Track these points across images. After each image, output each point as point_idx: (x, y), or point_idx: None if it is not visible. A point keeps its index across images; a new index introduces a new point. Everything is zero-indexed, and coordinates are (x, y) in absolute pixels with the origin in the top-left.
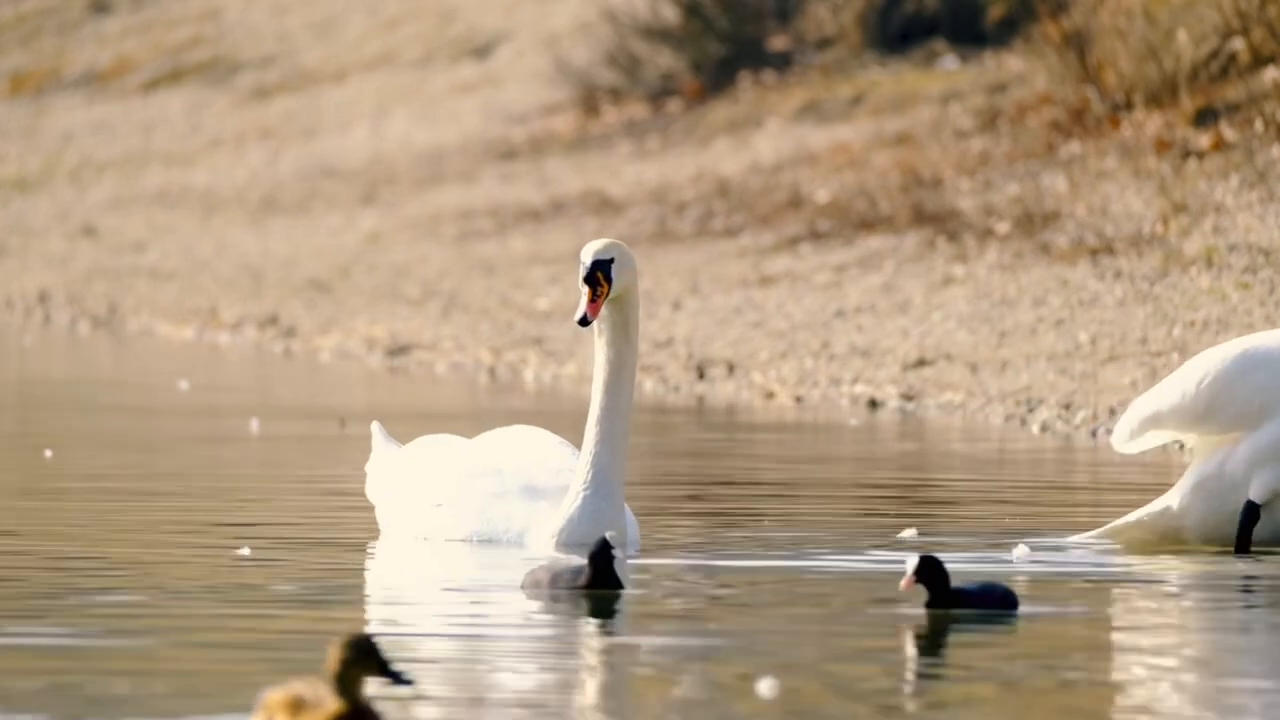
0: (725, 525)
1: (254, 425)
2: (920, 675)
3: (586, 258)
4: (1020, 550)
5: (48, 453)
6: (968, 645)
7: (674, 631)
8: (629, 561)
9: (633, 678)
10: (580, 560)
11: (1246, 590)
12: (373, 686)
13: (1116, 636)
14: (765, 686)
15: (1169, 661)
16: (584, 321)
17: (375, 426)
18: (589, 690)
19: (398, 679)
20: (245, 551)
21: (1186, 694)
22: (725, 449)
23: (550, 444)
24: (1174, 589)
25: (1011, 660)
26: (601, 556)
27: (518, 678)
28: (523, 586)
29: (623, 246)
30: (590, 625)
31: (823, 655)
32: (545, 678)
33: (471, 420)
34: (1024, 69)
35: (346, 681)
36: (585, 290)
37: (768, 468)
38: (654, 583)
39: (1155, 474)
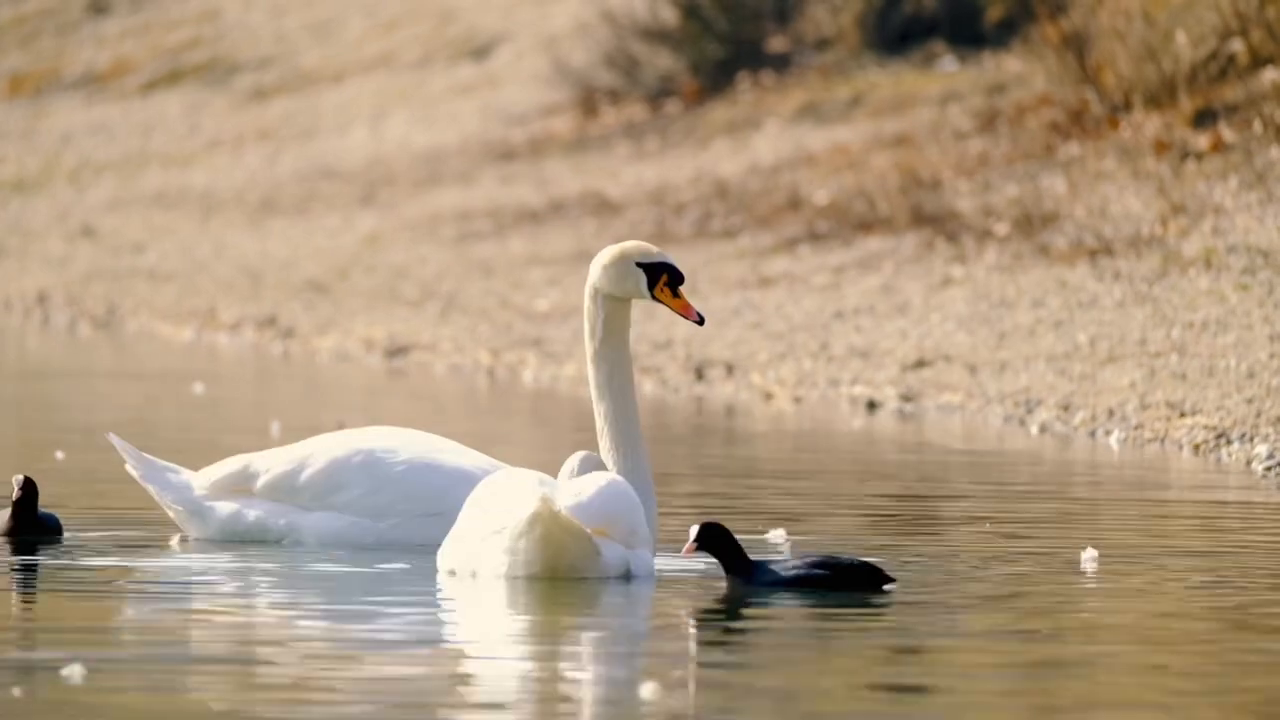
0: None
1: (275, 430)
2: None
3: (667, 258)
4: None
5: (59, 454)
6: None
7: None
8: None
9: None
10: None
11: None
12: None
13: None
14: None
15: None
16: (702, 320)
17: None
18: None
19: None
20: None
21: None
22: (728, 450)
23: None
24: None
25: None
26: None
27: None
28: None
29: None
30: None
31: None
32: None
33: (472, 421)
34: (1023, 70)
35: None
36: (682, 294)
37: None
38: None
39: (1153, 472)
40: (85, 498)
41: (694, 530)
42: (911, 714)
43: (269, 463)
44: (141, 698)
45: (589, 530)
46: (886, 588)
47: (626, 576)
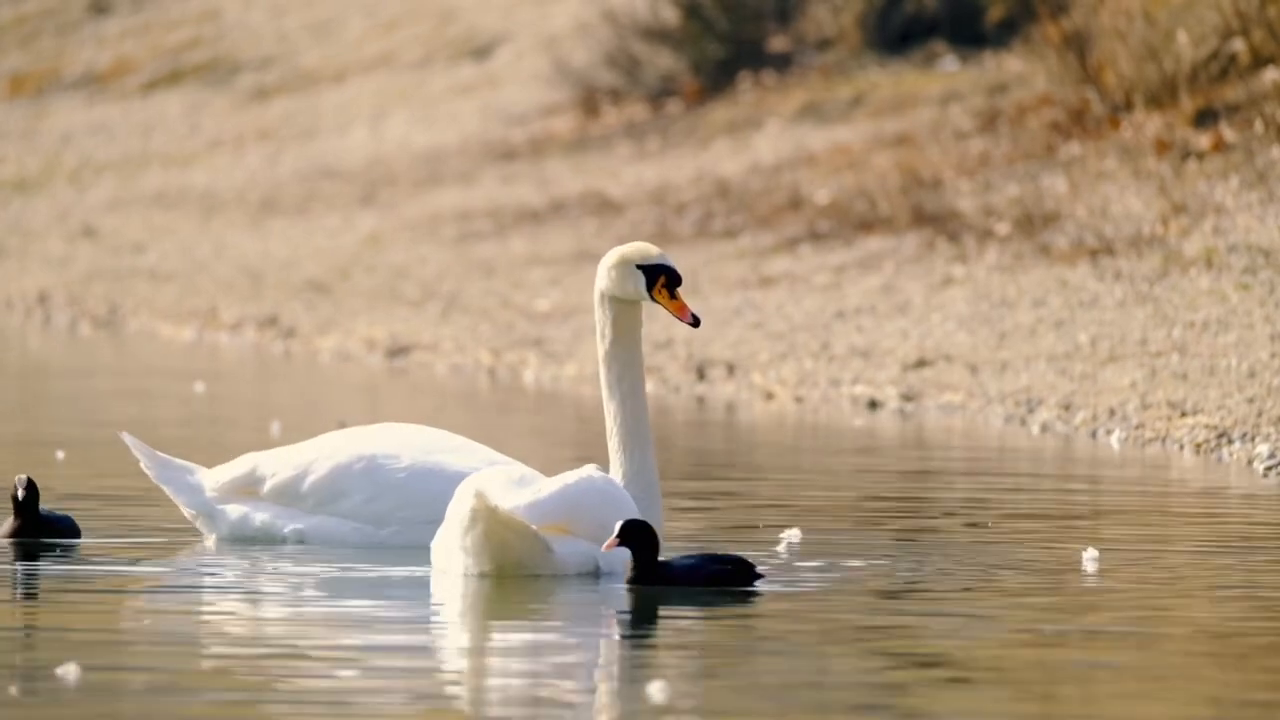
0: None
1: (275, 429)
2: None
3: (666, 260)
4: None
5: (59, 454)
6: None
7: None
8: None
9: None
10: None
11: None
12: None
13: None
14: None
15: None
16: (697, 321)
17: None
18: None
19: None
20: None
21: None
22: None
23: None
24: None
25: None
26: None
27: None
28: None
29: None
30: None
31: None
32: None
33: (473, 421)
34: (1024, 70)
35: None
36: (679, 295)
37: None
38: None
39: (1155, 471)
40: (85, 497)
41: (617, 525)
42: (912, 713)
43: (276, 466)
44: (133, 697)
45: (536, 527)
46: (757, 584)
47: (596, 574)
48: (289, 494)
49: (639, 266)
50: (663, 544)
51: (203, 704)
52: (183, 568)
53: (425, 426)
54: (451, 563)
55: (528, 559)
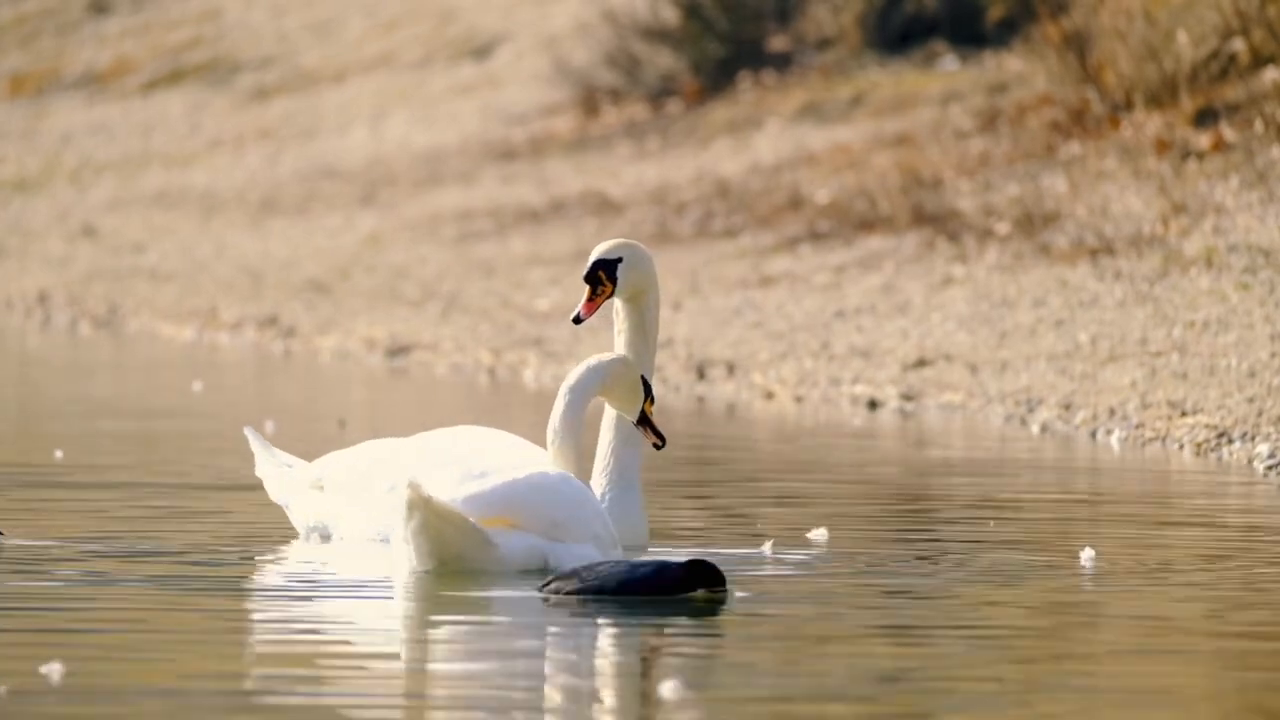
0: (726, 521)
1: (269, 426)
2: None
3: (592, 256)
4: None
5: (58, 453)
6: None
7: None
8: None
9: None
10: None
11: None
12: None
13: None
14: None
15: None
16: (577, 319)
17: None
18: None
19: None
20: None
21: None
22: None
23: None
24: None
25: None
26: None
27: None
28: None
29: (637, 248)
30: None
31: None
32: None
33: (472, 421)
34: (1024, 70)
35: None
36: (586, 288)
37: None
38: None
39: (1154, 471)
40: (83, 492)
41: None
42: (909, 712)
43: (335, 460)
44: (119, 696)
45: (476, 519)
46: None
47: (545, 569)
48: (334, 485)
49: None
50: (650, 541)
51: (192, 703)
52: (164, 565)
53: (496, 430)
54: (400, 557)
55: (467, 552)
